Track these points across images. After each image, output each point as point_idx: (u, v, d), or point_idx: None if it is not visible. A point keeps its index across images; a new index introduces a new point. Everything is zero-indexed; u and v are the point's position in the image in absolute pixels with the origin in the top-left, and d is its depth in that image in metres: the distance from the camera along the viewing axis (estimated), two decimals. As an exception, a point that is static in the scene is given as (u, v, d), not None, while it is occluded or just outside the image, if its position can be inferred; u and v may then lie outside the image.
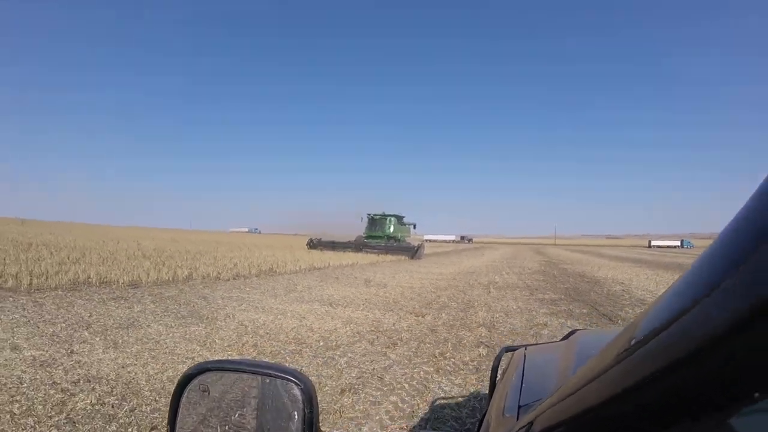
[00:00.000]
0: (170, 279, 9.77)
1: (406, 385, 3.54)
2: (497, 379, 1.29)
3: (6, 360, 3.77)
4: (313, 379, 3.38)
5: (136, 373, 3.60)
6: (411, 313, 6.81)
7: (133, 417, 2.81)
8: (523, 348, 1.31)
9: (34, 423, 2.67)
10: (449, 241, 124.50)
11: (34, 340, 4.41)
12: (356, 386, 3.48)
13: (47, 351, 4.09)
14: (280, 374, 0.61)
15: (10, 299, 6.35)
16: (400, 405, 3.14)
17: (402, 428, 2.78)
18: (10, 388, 3.17)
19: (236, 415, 0.64)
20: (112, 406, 2.95)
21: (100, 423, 2.71)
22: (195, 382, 0.62)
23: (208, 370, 0.63)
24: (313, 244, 27.27)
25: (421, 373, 3.87)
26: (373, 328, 5.62)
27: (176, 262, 13.15)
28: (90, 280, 8.55)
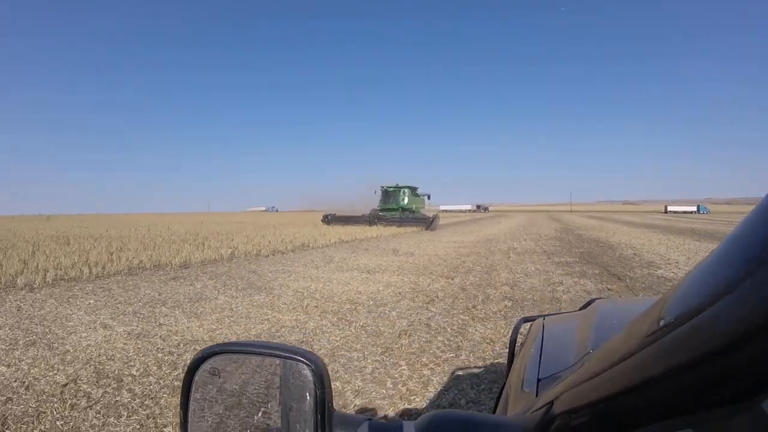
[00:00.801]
0: (216, 258, 10.72)
1: (449, 329, 4.44)
2: (515, 350, 1.27)
3: (104, 336, 4.36)
4: (372, 328, 4.32)
5: (226, 334, 4.45)
6: (441, 276, 7.72)
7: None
8: (542, 318, 1.30)
9: (156, 380, 3.26)
10: (465, 211, 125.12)
11: (119, 319, 5.04)
12: (409, 331, 4.39)
13: (137, 326, 4.73)
14: (290, 355, 0.59)
15: (77, 288, 7.05)
16: (446, 342, 4.04)
17: (448, 359, 3.67)
18: (120, 357, 3.77)
19: (247, 398, 0.63)
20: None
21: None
22: (205, 365, 0.61)
23: (218, 353, 0.62)
24: (328, 220, 27.64)
25: (459, 320, 4.78)
26: (411, 290, 6.54)
27: (213, 242, 14.19)
28: (143, 264, 9.41)
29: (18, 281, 7.31)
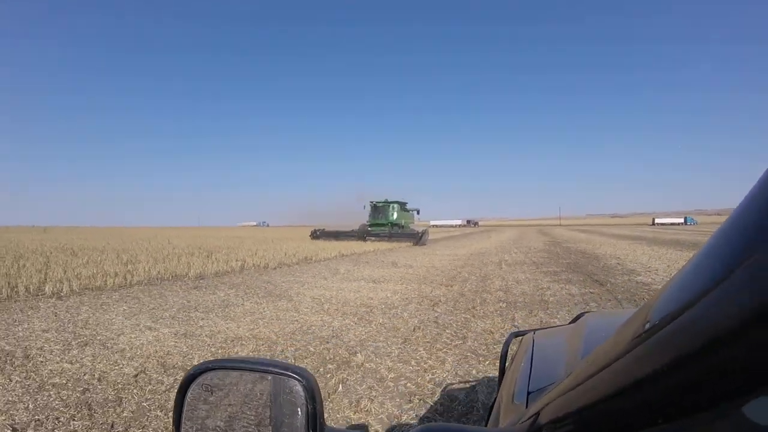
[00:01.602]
0: (228, 270, 11.34)
1: (454, 325, 5.23)
2: (506, 365, 1.30)
3: (153, 336, 4.83)
4: (388, 325, 5.09)
5: (264, 332, 5.10)
6: (441, 285, 8.53)
7: (285, 355, 4.40)
8: (532, 332, 1.32)
9: None
10: (456, 226, 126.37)
11: (160, 322, 5.51)
12: (421, 327, 5.17)
13: (180, 327, 5.21)
14: (281, 371, 0.59)
15: (104, 296, 7.43)
16: (454, 334, 4.83)
17: (457, 345, 4.44)
18: (177, 352, 4.25)
19: (239, 414, 0.63)
20: (263, 351, 4.47)
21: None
22: (198, 381, 0.63)
23: (210, 369, 0.63)
24: (317, 235, 27.61)
25: (462, 318, 5.58)
26: (416, 295, 7.33)
27: (219, 255, 14.83)
28: (160, 275, 9.97)
29: (46, 289, 7.84)
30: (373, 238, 25.46)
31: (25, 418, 2.85)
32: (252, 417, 0.62)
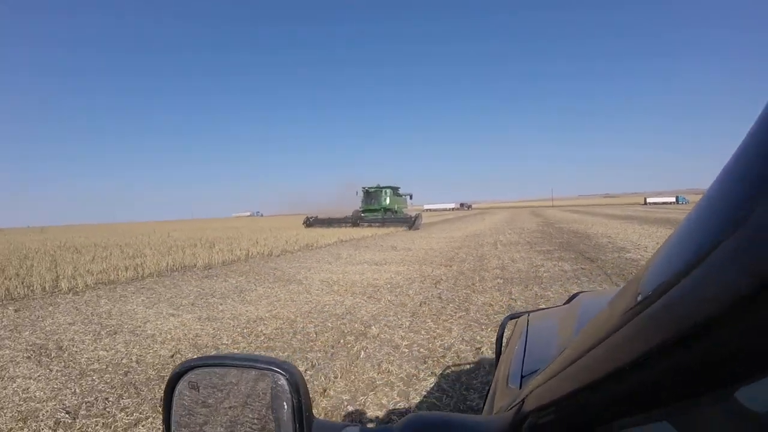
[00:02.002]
0: (233, 259, 11.71)
1: (456, 299, 5.67)
2: (502, 347, 1.30)
3: (179, 322, 5.18)
4: (396, 302, 5.54)
5: (282, 313, 5.49)
6: (441, 265, 8.98)
7: (306, 331, 4.81)
8: (527, 314, 1.33)
9: (246, 345, 4.16)
10: (449, 209, 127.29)
11: (182, 309, 5.84)
12: (426, 302, 5.61)
13: (201, 313, 5.57)
14: (265, 366, 0.60)
15: (119, 289, 7.79)
16: (457, 307, 5.27)
17: (461, 316, 4.87)
18: (205, 334, 4.62)
19: (226, 410, 0.64)
20: (286, 329, 4.94)
21: (287, 337, 4.67)
22: (185, 379, 0.64)
23: (195, 367, 0.64)
24: (310, 222, 27.70)
25: (463, 293, 6.02)
26: (418, 275, 7.77)
27: (222, 246, 15.14)
28: (170, 267, 10.31)
29: (62, 286, 8.13)
30: (366, 224, 25.49)
31: (74, 402, 3.12)
32: (239, 412, 0.64)
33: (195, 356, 3.91)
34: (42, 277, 8.92)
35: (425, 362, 3.52)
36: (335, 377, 3.29)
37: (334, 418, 2.65)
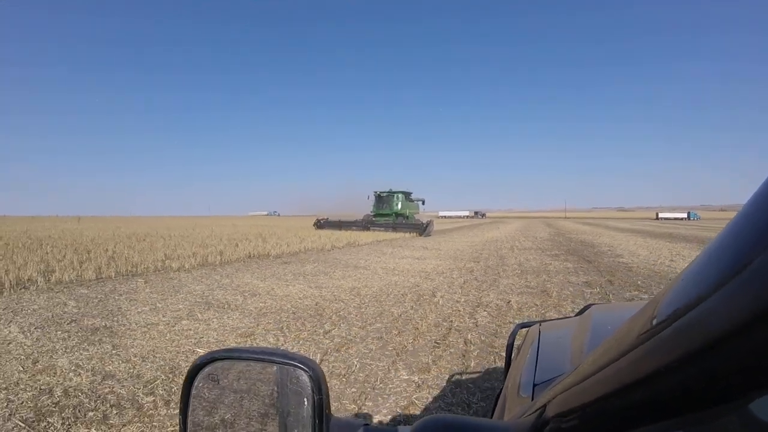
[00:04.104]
0: (295, 251, 14.10)
1: (488, 281, 8.10)
2: (512, 356, 1.34)
3: (296, 289, 7.32)
4: (446, 281, 8.06)
5: (370, 284, 7.88)
6: (470, 261, 11.45)
7: (396, 292, 7.26)
8: (538, 324, 1.36)
9: (360, 300, 7.07)
10: (463, 217, 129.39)
11: (290, 282, 8.04)
12: (466, 283, 8.02)
13: (307, 284, 7.71)
14: (288, 361, 0.60)
15: (219, 269, 10.52)
16: (489, 285, 7.69)
17: (493, 289, 7.25)
18: (327, 295, 6.90)
19: (246, 404, 0.65)
20: (379, 293, 7.40)
21: (383, 297, 7.18)
22: (205, 371, 0.63)
23: (217, 359, 0.63)
24: (321, 224, 28.04)
25: (492, 278, 8.46)
26: (455, 266, 10.23)
27: (275, 241, 17.58)
28: (251, 255, 12.62)
29: (173, 266, 10.23)
30: (377, 229, 25.51)
31: (273, 326, 5.59)
32: (258, 407, 0.65)
33: (331, 305, 6.26)
34: (143, 260, 10.84)
35: (478, 306, 5.96)
36: (427, 312, 5.72)
37: (437, 329, 5.01)
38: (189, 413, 0.63)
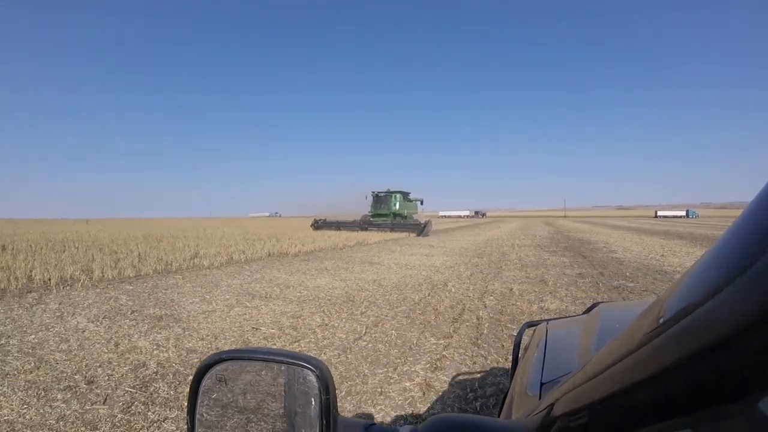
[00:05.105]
0: (311, 250, 15.00)
1: (492, 273, 9.10)
2: (519, 355, 1.34)
3: (324, 282, 8.23)
4: (454, 274, 9.07)
5: (387, 277, 8.84)
6: (474, 256, 12.48)
7: (412, 283, 8.24)
8: (545, 323, 1.35)
9: (382, 291, 8.06)
10: (463, 217, 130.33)
11: (315, 276, 9.02)
12: (473, 275, 9.00)
13: (332, 278, 8.56)
14: (295, 361, 0.60)
15: (246, 266, 11.65)
16: (493, 276, 8.68)
17: (497, 279, 8.24)
18: (353, 287, 8.11)
19: (253, 404, 0.65)
20: (398, 284, 8.38)
21: (403, 287, 8.16)
22: (212, 372, 0.63)
23: (224, 360, 0.63)
24: (318, 225, 28.00)
25: (495, 271, 9.47)
26: (461, 262, 11.24)
27: (288, 241, 18.53)
28: (270, 253, 13.54)
29: (204, 263, 11.13)
30: (374, 229, 25.40)
31: (327, 307, 6.63)
32: (266, 407, 0.65)
33: (361, 294, 7.31)
34: (168, 259, 11.57)
35: (485, 293, 6.96)
36: (443, 298, 6.70)
37: (453, 309, 6.00)
38: (197, 413, 0.63)
